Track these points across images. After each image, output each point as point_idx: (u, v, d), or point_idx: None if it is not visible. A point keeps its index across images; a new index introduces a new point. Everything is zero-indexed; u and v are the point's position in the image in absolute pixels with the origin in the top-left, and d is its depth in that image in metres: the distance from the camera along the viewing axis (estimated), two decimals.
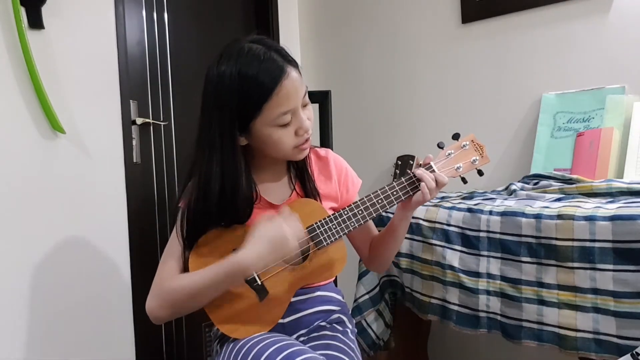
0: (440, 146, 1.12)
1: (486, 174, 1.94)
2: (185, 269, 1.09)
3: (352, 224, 1.09)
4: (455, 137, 1.13)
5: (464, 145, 1.12)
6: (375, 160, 2.27)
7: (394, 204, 1.10)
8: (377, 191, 1.10)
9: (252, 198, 1.08)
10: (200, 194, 1.05)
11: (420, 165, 1.12)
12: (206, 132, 1.04)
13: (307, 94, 1.07)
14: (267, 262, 1.01)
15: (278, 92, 1.00)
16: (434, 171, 1.09)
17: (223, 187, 1.04)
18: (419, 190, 1.08)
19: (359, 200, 1.10)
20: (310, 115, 1.09)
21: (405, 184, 1.10)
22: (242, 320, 1.07)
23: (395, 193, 1.09)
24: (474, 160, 1.12)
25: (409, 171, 1.11)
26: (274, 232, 1.01)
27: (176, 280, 1.06)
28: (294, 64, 1.04)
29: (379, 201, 1.09)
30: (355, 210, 1.09)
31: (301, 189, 1.19)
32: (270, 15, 2.42)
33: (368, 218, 1.10)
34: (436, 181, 1.08)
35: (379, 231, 1.26)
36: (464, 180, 1.13)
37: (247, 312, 1.07)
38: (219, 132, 1.03)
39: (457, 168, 1.11)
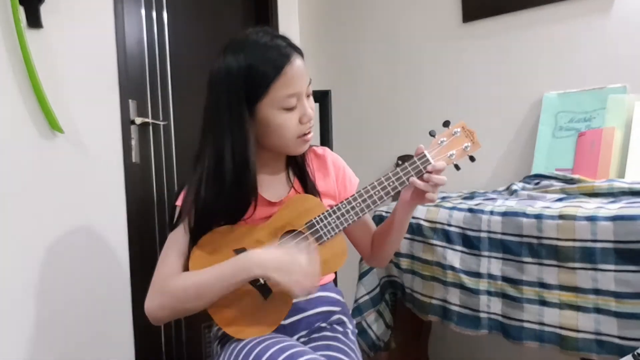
0: (432, 134, 1.11)
1: (487, 174, 1.96)
2: (185, 267, 1.08)
3: (351, 217, 1.09)
4: (446, 124, 1.11)
5: (455, 133, 1.11)
6: (375, 160, 2.27)
7: (391, 195, 1.10)
8: (373, 182, 1.10)
9: (256, 183, 1.07)
10: (213, 174, 1.04)
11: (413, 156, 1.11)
12: (214, 116, 1.05)
13: (310, 85, 1.09)
14: (277, 268, 0.99)
15: (285, 73, 1.03)
16: (427, 160, 1.08)
17: (235, 165, 1.04)
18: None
19: (357, 193, 1.10)
20: (312, 106, 1.11)
21: (401, 173, 1.09)
22: (247, 321, 1.06)
23: (391, 183, 1.09)
24: (465, 146, 1.11)
25: (399, 162, 1.10)
26: (298, 257, 1.00)
27: (180, 279, 1.04)
28: (299, 51, 1.08)
29: (376, 192, 1.09)
30: (354, 203, 1.09)
31: (300, 187, 1.18)
32: (271, 15, 2.42)
33: (367, 210, 1.10)
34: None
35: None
36: (457, 167, 1.12)
37: (252, 313, 1.06)
38: (228, 112, 1.03)
39: (450, 155, 1.10)
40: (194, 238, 1.07)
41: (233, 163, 1.04)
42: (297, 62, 1.05)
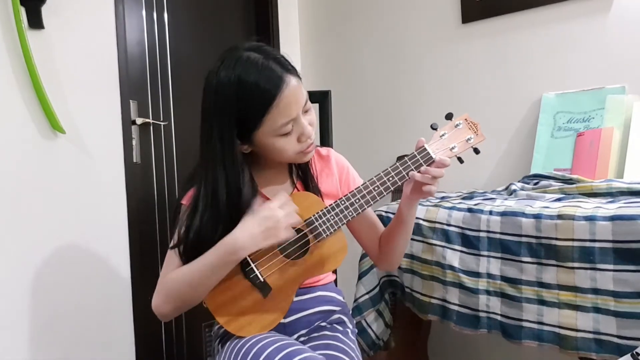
0: (433, 127, 1.09)
1: (486, 174, 1.97)
2: None
3: (350, 213, 1.08)
4: (449, 117, 1.09)
5: (457, 125, 1.09)
6: (375, 160, 2.27)
7: (391, 190, 1.08)
8: (372, 178, 1.08)
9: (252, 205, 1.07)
10: (211, 204, 1.05)
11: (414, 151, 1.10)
12: (207, 142, 1.05)
13: (308, 100, 1.07)
14: (258, 241, 1.01)
15: (278, 103, 1.00)
16: (428, 153, 1.06)
17: (230, 195, 1.04)
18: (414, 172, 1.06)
19: (355, 189, 1.09)
20: (312, 120, 1.08)
21: (401, 168, 1.07)
22: (247, 319, 1.07)
23: (391, 179, 1.07)
24: (468, 138, 1.09)
25: (403, 157, 1.08)
26: (266, 212, 1.01)
27: (175, 273, 1.06)
28: (293, 72, 1.04)
29: (375, 188, 1.07)
30: (353, 200, 1.08)
31: (303, 188, 1.18)
32: (270, 16, 2.42)
33: (366, 206, 1.08)
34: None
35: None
36: (460, 160, 1.10)
37: (252, 310, 1.07)
38: (220, 143, 1.03)
39: (452, 148, 1.08)
40: (187, 261, 1.07)
41: (227, 195, 1.04)
42: (290, 87, 1.01)
